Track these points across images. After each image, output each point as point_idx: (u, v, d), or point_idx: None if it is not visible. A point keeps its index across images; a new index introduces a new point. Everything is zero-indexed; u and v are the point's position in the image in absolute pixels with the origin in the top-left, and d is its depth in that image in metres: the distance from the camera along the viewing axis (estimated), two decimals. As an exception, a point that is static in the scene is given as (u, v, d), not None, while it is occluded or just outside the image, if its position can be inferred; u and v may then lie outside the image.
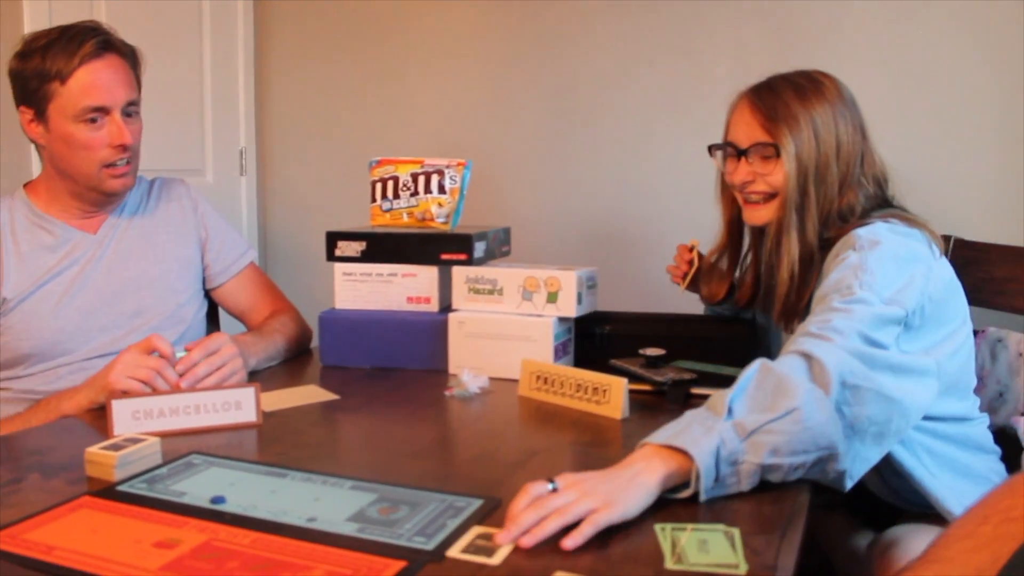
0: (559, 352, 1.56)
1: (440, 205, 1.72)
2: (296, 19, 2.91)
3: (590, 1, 2.52)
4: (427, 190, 1.73)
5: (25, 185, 1.65)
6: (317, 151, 2.94)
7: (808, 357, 1.10)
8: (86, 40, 1.51)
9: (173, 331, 1.64)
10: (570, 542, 0.86)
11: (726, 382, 1.45)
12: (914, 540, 1.26)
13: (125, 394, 1.26)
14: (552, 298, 1.55)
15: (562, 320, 1.57)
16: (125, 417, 1.21)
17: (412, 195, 1.73)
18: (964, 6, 2.05)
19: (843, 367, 1.08)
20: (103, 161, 1.54)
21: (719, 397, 1.08)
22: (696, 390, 1.45)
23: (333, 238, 1.70)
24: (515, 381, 1.49)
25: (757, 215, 1.44)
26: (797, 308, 1.40)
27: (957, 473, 1.32)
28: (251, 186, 2.98)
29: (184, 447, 1.16)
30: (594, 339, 1.66)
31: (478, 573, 0.82)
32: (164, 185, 1.76)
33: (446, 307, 1.67)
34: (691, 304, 1.82)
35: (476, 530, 0.90)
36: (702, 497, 0.98)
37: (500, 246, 1.80)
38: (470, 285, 1.60)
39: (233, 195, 2.90)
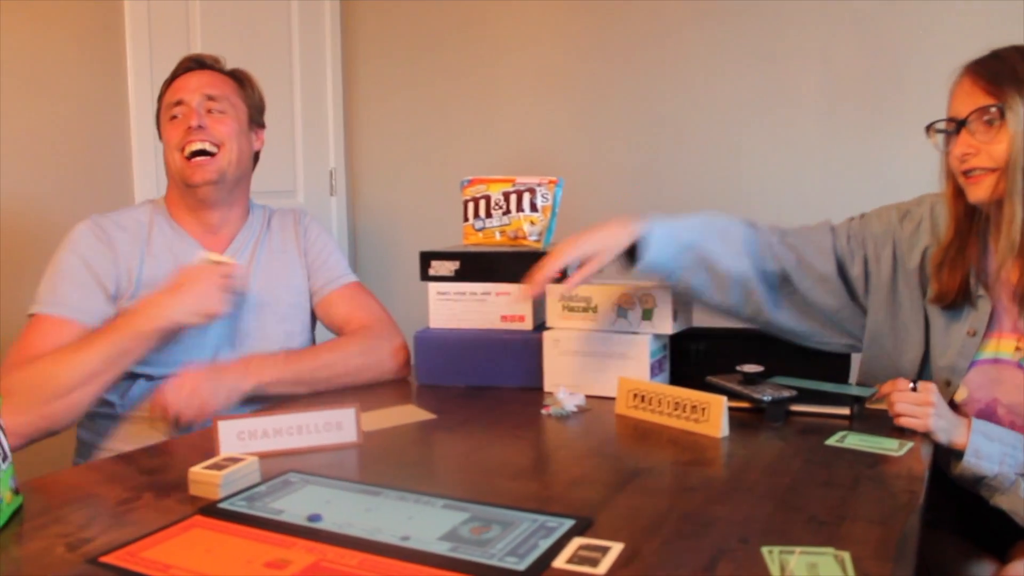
0: (655, 369, 1.54)
1: (532, 223, 1.72)
2: (383, 42, 2.97)
3: (675, 15, 2.51)
4: (519, 208, 1.74)
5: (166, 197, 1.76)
6: (404, 170, 2.99)
7: None
8: (183, 62, 1.72)
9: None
10: (904, 421, 1.32)
11: (826, 399, 1.43)
12: None
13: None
14: (647, 315, 1.54)
15: (658, 337, 1.55)
16: (230, 437, 1.25)
17: (504, 214, 1.74)
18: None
19: None
20: (178, 145, 1.64)
21: None
22: (796, 407, 1.42)
23: (427, 258, 1.72)
24: (611, 399, 1.48)
25: (979, 189, 1.33)
26: None
27: None
28: (341, 206, 3.05)
29: (286, 467, 1.18)
30: (689, 356, 1.64)
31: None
32: (280, 215, 1.84)
33: (540, 325, 1.67)
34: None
35: (578, 541, 0.90)
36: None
37: (593, 263, 1.80)
38: (564, 303, 1.60)
39: (324, 215, 2.98)
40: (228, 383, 1.51)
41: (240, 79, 1.75)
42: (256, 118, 1.77)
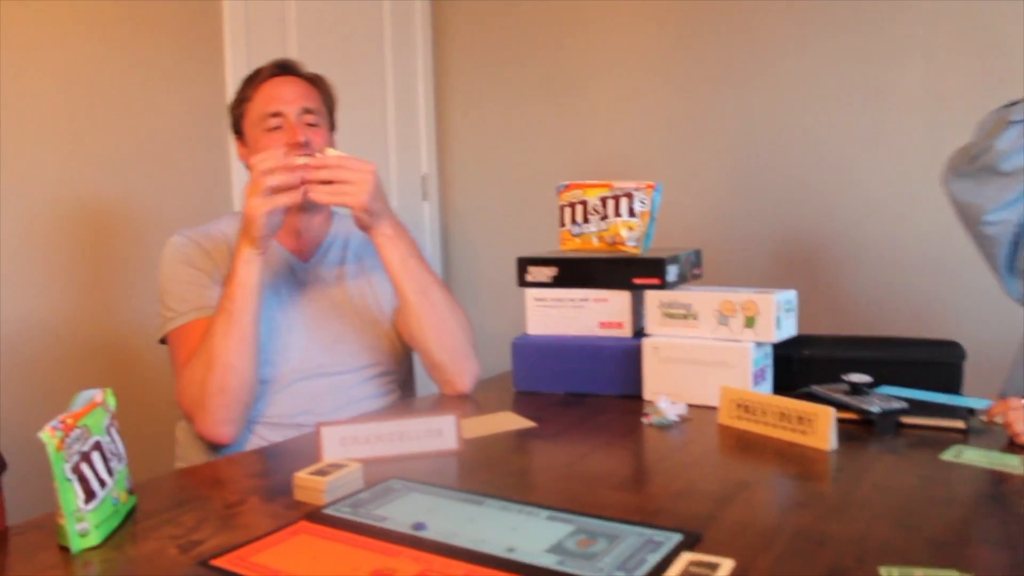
0: (757, 378, 1.50)
1: (630, 228, 1.70)
2: (475, 45, 2.98)
3: (770, 15, 2.45)
4: (616, 213, 1.72)
5: None
6: (496, 175, 2.99)
7: None
8: (268, 66, 1.73)
9: (371, 357, 1.70)
10: None
11: (939, 411, 1.38)
12: None
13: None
14: (750, 323, 1.50)
15: (760, 345, 1.51)
16: (333, 443, 1.26)
17: (602, 219, 1.73)
18: None
19: None
20: None
21: None
22: (907, 419, 1.37)
23: (524, 264, 1.72)
24: (713, 408, 1.45)
25: None
26: None
27: None
28: (433, 211, 3.07)
29: (388, 473, 1.19)
30: (791, 364, 1.60)
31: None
32: None
33: (639, 332, 1.65)
34: (895, 327, 1.73)
35: (687, 556, 0.88)
36: None
37: (692, 269, 1.77)
38: (664, 310, 1.58)
39: (416, 220, 3.01)
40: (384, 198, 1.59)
41: (320, 85, 1.77)
42: (333, 122, 1.79)
